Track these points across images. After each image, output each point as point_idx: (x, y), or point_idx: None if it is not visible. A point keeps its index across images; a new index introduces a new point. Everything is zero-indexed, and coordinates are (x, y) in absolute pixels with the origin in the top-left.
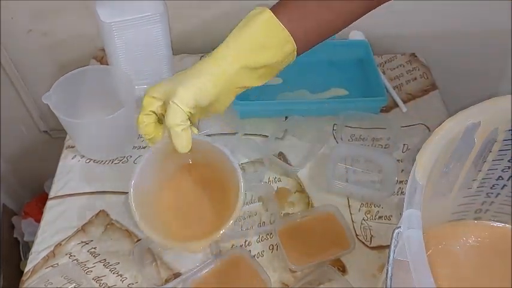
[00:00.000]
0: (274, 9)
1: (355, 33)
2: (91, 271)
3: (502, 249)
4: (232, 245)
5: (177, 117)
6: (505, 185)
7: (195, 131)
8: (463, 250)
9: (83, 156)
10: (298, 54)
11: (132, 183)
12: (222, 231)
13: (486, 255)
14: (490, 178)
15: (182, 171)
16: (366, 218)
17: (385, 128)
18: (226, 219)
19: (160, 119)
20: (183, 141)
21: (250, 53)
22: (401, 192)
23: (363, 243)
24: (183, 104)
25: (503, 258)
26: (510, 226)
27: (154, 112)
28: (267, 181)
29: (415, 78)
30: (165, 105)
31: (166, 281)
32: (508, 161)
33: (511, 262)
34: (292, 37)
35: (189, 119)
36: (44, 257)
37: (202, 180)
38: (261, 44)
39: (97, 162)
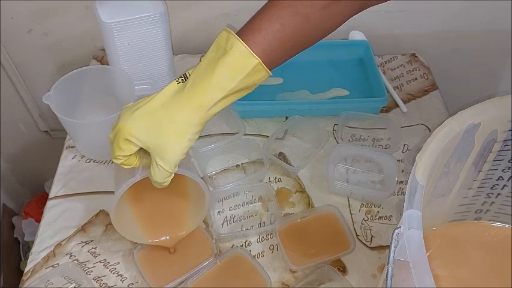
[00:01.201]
0: (246, 30)
1: (355, 33)
2: (91, 271)
3: (502, 249)
4: (233, 245)
5: (163, 178)
6: (505, 185)
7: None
8: (463, 250)
9: (83, 156)
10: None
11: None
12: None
13: (486, 256)
14: (491, 178)
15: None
16: (366, 218)
17: (385, 128)
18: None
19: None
20: (162, 186)
21: (226, 92)
22: (402, 193)
23: (363, 243)
24: (171, 168)
25: (503, 258)
26: (510, 226)
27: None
28: (267, 181)
29: (416, 79)
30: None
31: None
32: (508, 161)
33: (511, 262)
34: (267, 58)
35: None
36: (44, 257)
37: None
38: (236, 82)
39: (97, 162)
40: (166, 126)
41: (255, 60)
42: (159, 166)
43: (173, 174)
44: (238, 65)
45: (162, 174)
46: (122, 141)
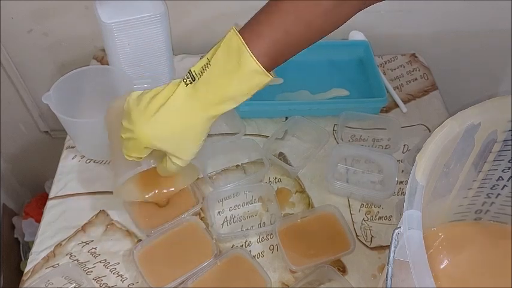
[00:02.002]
0: (252, 35)
1: (355, 34)
2: (91, 271)
3: (502, 249)
4: (233, 245)
5: (176, 171)
6: (505, 186)
7: None
8: (463, 250)
9: (83, 156)
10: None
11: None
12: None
13: (486, 256)
14: (490, 179)
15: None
16: (366, 219)
17: (385, 129)
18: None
19: None
20: (168, 175)
21: (239, 103)
22: (402, 193)
23: (363, 243)
24: (184, 164)
25: (503, 259)
26: (510, 226)
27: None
28: (267, 181)
29: (416, 79)
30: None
31: None
32: (508, 161)
33: (511, 263)
34: (271, 62)
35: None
36: (44, 257)
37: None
38: (249, 96)
39: (97, 162)
40: (184, 134)
41: (268, 78)
42: (175, 163)
43: None
44: (254, 84)
45: (176, 168)
46: (141, 148)
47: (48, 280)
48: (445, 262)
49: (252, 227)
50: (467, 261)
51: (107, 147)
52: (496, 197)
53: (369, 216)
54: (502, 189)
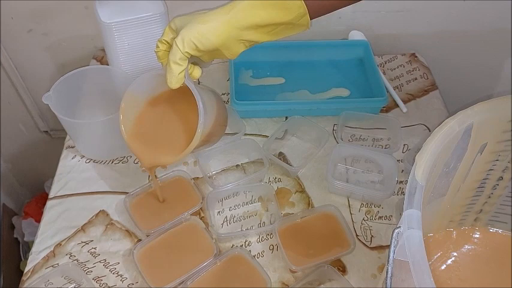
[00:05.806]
0: None
1: (355, 33)
2: (91, 271)
3: (502, 256)
4: (232, 245)
5: (175, 56)
6: (505, 186)
7: (197, 74)
8: (462, 257)
9: (83, 156)
10: (311, 18)
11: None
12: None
13: (486, 263)
14: (491, 179)
15: (160, 100)
16: (366, 218)
17: (385, 128)
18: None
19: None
20: (172, 77)
21: (261, 9)
22: (402, 193)
23: (363, 243)
24: (182, 46)
25: (503, 266)
26: (510, 234)
27: (167, 42)
28: (267, 181)
29: (416, 79)
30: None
31: None
32: (508, 161)
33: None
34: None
35: (188, 59)
36: (44, 257)
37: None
38: (273, 3)
39: (97, 162)
40: (197, 16)
41: (304, 19)
42: (174, 41)
43: (196, 72)
44: (289, 16)
45: (174, 51)
46: (166, 28)
47: (48, 280)
48: (445, 262)
49: (252, 226)
50: (466, 268)
51: (106, 147)
52: (496, 197)
53: (368, 216)
54: (502, 189)
